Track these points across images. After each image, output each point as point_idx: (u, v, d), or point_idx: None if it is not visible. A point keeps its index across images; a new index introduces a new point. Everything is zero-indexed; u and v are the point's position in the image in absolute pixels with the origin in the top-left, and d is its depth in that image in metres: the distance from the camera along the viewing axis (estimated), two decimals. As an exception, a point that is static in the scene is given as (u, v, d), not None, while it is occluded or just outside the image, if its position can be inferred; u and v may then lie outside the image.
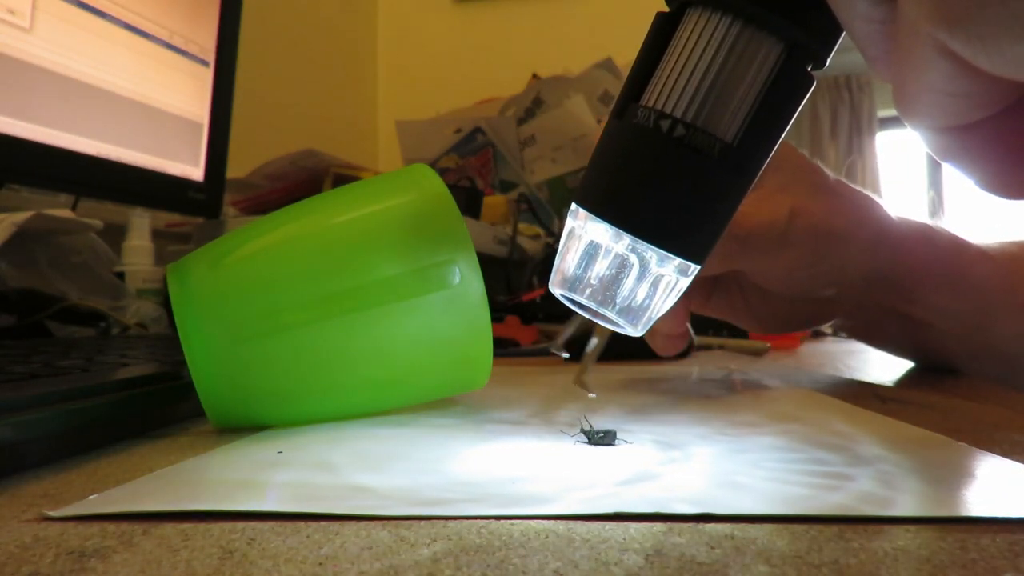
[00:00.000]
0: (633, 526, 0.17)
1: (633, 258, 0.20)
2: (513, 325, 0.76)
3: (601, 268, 0.20)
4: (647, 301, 0.21)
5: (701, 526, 0.17)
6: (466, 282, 0.28)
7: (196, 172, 0.76)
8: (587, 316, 0.22)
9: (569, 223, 0.21)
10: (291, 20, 1.53)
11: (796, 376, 0.48)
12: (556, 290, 0.22)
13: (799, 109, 0.19)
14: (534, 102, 1.33)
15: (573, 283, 0.21)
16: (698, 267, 0.20)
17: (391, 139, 1.51)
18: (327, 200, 0.32)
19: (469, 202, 1.02)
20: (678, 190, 0.19)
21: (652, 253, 0.20)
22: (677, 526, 0.17)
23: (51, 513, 0.17)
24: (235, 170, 0.88)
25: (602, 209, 0.20)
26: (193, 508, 0.18)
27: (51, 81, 0.58)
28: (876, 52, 0.16)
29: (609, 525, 0.17)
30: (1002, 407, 0.34)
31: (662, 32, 0.19)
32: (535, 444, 0.25)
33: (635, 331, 0.21)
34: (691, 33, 0.18)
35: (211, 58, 0.77)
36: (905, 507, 0.18)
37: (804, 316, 0.45)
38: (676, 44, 0.19)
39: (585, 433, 0.26)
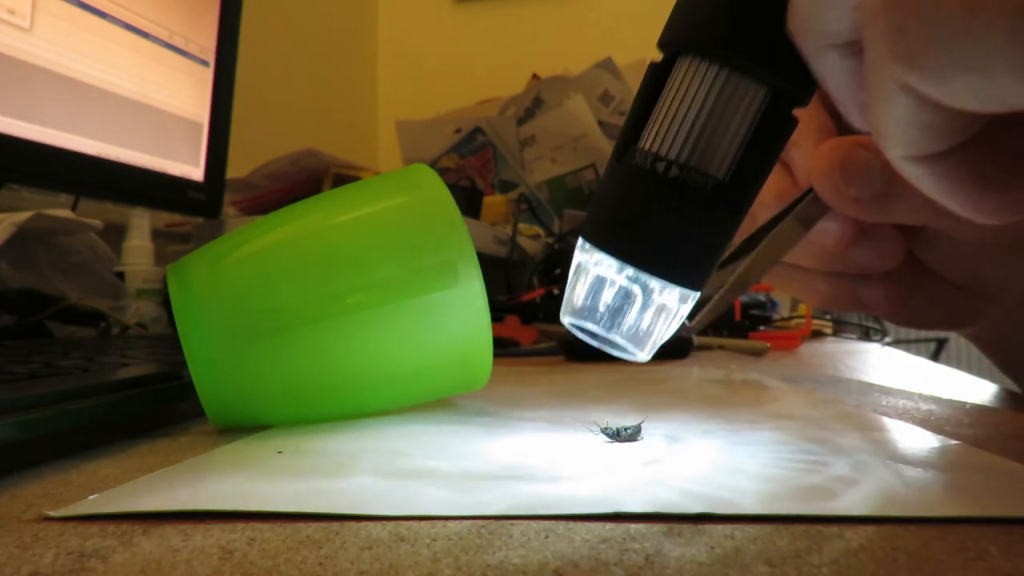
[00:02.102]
0: (633, 526, 0.17)
1: (636, 288, 0.22)
2: (513, 325, 0.76)
3: (607, 298, 0.22)
4: (651, 327, 0.22)
5: (701, 526, 0.17)
6: (466, 282, 0.28)
7: (196, 172, 0.76)
8: (596, 344, 0.23)
9: (577, 257, 0.23)
10: (291, 20, 1.53)
11: (796, 376, 0.48)
12: (566, 319, 0.23)
13: (784, 146, 0.21)
14: (534, 102, 1.33)
15: (582, 312, 0.23)
16: (697, 294, 0.22)
17: (391, 139, 1.51)
18: (327, 200, 0.32)
19: (469, 202, 1.02)
20: (676, 225, 0.20)
21: (654, 283, 0.21)
22: (677, 526, 0.17)
23: (51, 513, 0.17)
24: (235, 170, 0.88)
25: (607, 244, 0.21)
26: (193, 508, 0.18)
27: (51, 81, 0.58)
28: (847, 100, 0.18)
29: (609, 525, 0.17)
30: (1002, 407, 0.34)
31: (656, 79, 0.21)
32: (536, 443, 0.25)
33: (642, 356, 0.23)
34: (682, 81, 0.20)
35: (211, 58, 0.77)
36: (905, 507, 0.18)
37: (956, 307, 0.37)
38: (668, 91, 0.20)
39: (604, 431, 0.26)
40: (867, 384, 0.45)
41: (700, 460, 0.23)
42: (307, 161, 1.03)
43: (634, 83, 1.37)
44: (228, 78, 0.78)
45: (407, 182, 0.31)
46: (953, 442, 0.25)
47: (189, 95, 0.74)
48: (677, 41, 0.20)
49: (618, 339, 0.22)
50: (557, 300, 0.90)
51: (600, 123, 1.27)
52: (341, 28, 1.83)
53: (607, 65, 1.33)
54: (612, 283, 0.22)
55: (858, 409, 0.33)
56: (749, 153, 0.20)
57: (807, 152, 0.31)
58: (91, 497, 0.19)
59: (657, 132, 0.20)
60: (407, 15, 1.98)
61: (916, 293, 0.37)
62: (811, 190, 0.30)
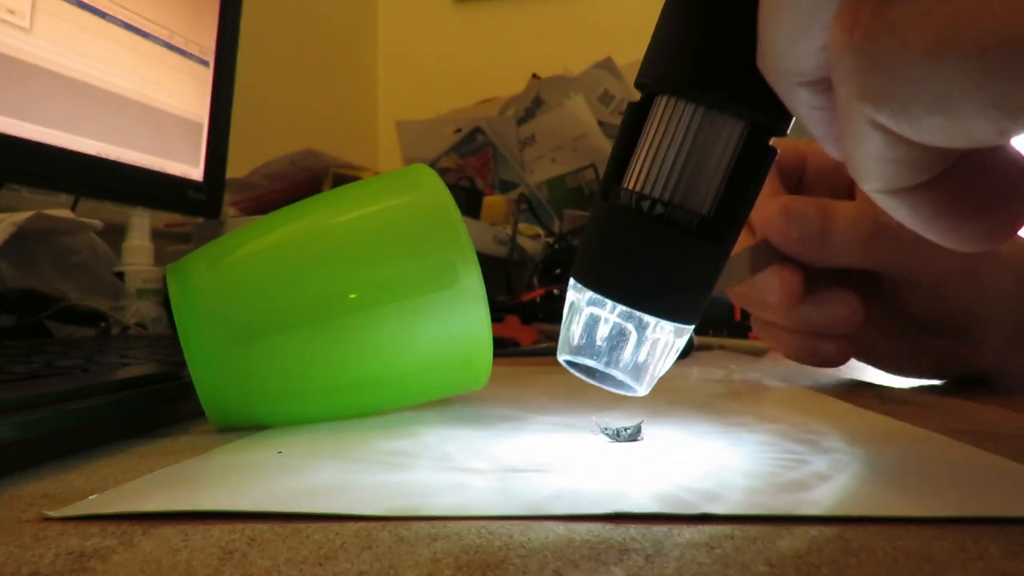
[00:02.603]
0: (633, 526, 0.17)
1: (630, 325, 0.22)
2: (513, 325, 0.76)
3: (602, 335, 0.22)
4: (648, 361, 0.23)
5: (701, 526, 0.17)
6: (466, 282, 0.28)
7: (196, 172, 0.76)
8: (593, 381, 0.24)
9: (570, 296, 0.23)
10: (291, 20, 1.53)
11: (796, 376, 0.48)
12: (563, 357, 0.24)
13: (765, 177, 0.21)
14: (534, 102, 1.33)
15: (579, 350, 0.23)
16: (691, 327, 0.22)
17: (391, 139, 1.51)
18: (327, 200, 0.32)
19: (469, 202, 1.03)
20: (665, 262, 0.21)
21: (648, 319, 0.22)
22: (677, 526, 0.17)
23: (51, 513, 0.17)
24: (235, 170, 0.88)
25: (598, 283, 0.22)
26: (193, 508, 0.18)
27: (51, 81, 0.58)
28: (822, 132, 0.18)
29: (609, 525, 0.17)
30: (1002, 407, 0.34)
31: (635, 119, 0.21)
32: (536, 443, 0.25)
33: (641, 390, 0.23)
34: (660, 120, 0.20)
35: (211, 58, 0.77)
36: (905, 507, 0.18)
37: (944, 356, 0.42)
38: (648, 130, 0.21)
39: (604, 431, 0.26)
40: (867, 384, 0.45)
41: (700, 461, 0.23)
42: (307, 161, 1.03)
43: (634, 83, 1.37)
44: (228, 78, 0.78)
45: (407, 182, 0.31)
46: (953, 442, 0.25)
47: (189, 95, 0.74)
48: (653, 82, 0.21)
49: (616, 374, 0.23)
50: (557, 300, 0.90)
51: (600, 123, 1.27)
52: (341, 28, 1.83)
53: (607, 65, 1.33)
54: (606, 321, 0.22)
55: (858, 409, 0.33)
56: (731, 187, 0.20)
57: (759, 208, 0.37)
58: (91, 497, 0.19)
59: (640, 171, 0.21)
60: (407, 15, 1.98)
61: (900, 346, 0.41)
62: (764, 240, 0.38)
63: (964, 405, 0.35)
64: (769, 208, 0.38)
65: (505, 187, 1.32)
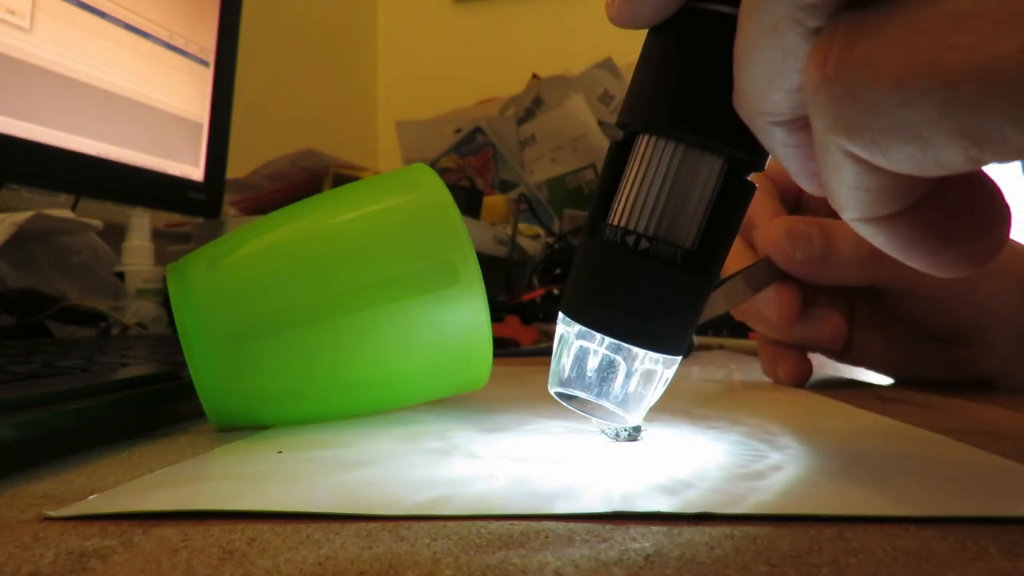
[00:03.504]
0: (633, 526, 0.17)
1: (619, 358, 0.23)
2: (513, 325, 0.76)
3: (592, 368, 0.23)
4: (639, 391, 0.23)
5: (701, 526, 0.17)
6: (466, 282, 0.28)
7: (196, 172, 0.76)
8: (584, 413, 0.24)
9: (559, 330, 0.24)
10: (291, 20, 1.53)
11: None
12: (554, 390, 0.24)
13: (745, 211, 0.22)
14: (534, 102, 1.33)
15: (569, 382, 0.23)
16: (679, 358, 0.23)
17: (391, 139, 1.51)
18: (327, 200, 0.32)
19: (469, 202, 1.02)
20: (651, 295, 0.21)
21: (637, 351, 0.22)
22: (677, 526, 0.17)
23: (51, 513, 0.17)
24: (235, 170, 0.88)
25: (587, 317, 0.22)
26: (193, 508, 0.18)
27: (51, 81, 0.58)
28: (797, 168, 0.19)
29: (609, 525, 0.17)
30: (1002, 407, 0.34)
31: (618, 156, 0.22)
32: (536, 443, 0.25)
33: (635, 419, 0.24)
34: (642, 158, 0.21)
35: (211, 58, 0.77)
36: (905, 507, 0.18)
37: (952, 361, 0.43)
38: (631, 167, 0.21)
39: (604, 431, 0.26)
40: (867, 384, 0.45)
41: (700, 461, 0.23)
42: (307, 161, 1.03)
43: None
44: (228, 78, 0.78)
45: (407, 182, 0.31)
46: (953, 442, 0.25)
47: (189, 95, 0.74)
48: (634, 121, 0.21)
49: (608, 405, 0.23)
50: (557, 300, 0.90)
51: (600, 123, 1.27)
52: (341, 28, 1.83)
53: (607, 65, 1.33)
54: (595, 353, 0.23)
55: (858, 409, 0.33)
56: (713, 220, 0.21)
57: (762, 229, 0.40)
58: (91, 497, 0.19)
59: (624, 207, 0.21)
60: (407, 15, 1.98)
61: (907, 355, 0.42)
62: (766, 258, 0.40)
63: (964, 405, 0.35)
64: (773, 229, 0.39)
65: (505, 187, 1.32)
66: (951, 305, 0.40)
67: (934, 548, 0.15)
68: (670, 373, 0.23)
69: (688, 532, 0.16)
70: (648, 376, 0.23)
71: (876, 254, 0.38)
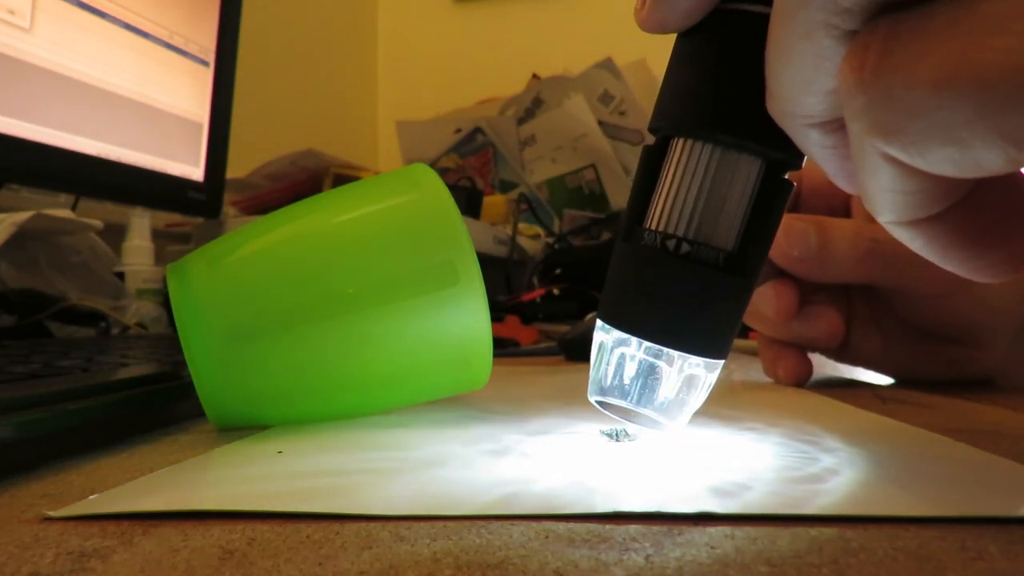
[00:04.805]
0: (633, 526, 0.17)
1: (662, 363, 0.22)
2: (513, 325, 0.76)
3: (634, 374, 0.23)
4: (682, 398, 0.23)
5: (701, 526, 0.17)
6: (466, 282, 0.28)
7: (196, 172, 0.76)
8: (627, 420, 0.24)
9: (598, 337, 0.23)
10: (291, 20, 1.53)
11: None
12: (594, 398, 0.24)
13: (784, 208, 0.21)
14: (534, 102, 1.33)
15: (610, 390, 0.23)
16: (722, 362, 0.22)
17: (391, 139, 1.51)
18: (327, 200, 0.32)
19: (469, 202, 1.03)
20: (694, 299, 0.21)
21: (678, 356, 0.22)
22: (677, 526, 0.17)
23: (51, 513, 0.17)
24: (235, 170, 0.88)
25: (627, 323, 0.22)
26: (193, 508, 0.18)
27: (51, 81, 0.58)
28: (834, 169, 0.19)
29: (609, 525, 0.17)
30: (1002, 407, 0.34)
31: (652, 161, 0.22)
32: (536, 443, 0.25)
33: (677, 426, 0.23)
34: (678, 162, 0.21)
35: (211, 58, 0.77)
36: (905, 507, 0.18)
37: (952, 360, 0.43)
38: (668, 171, 0.21)
39: (604, 432, 0.26)
40: (867, 384, 0.45)
41: (700, 460, 0.23)
42: (307, 161, 1.03)
43: (634, 83, 1.37)
44: (228, 78, 0.78)
45: (407, 182, 0.31)
46: (953, 442, 0.25)
47: (189, 95, 0.74)
48: (668, 126, 0.21)
49: (650, 413, 0.23)
50: (557, 300, 0.90)
51: (600, 123, 1.27)
52: (341, 28, 1.83)
53: (607, 65, 1.33)
54: (635, 360, 0.22)
55: (858, 409, 0.33)
56: (753, 222, 0.21)
57: None
58: (91, 497, 0.19)
59: (663, 212, 0.21)
60: (407, 15, 1.98)
61: (906, 354, 0.43)
62: None
63: (964, 405, 0.35)
64: None
65: (505, 187, 1.32)
66: (949, 304, 0.40)
67: (934, 548, 0.15)
68: (713, 378, 0.23)
69: (688, 532, 0.16)
70: (690, 381, 0.22)
71: (872, 252, 0.39)
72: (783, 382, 0.43)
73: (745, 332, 0.80)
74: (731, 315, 0.22)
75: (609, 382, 0.23)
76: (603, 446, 0.25)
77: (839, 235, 0.38)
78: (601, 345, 0.23)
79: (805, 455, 0.23)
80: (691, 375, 0.22)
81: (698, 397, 0.23)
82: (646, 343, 0.22)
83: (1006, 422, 0.30)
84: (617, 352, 0.23)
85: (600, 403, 0.24)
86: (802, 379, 0.43)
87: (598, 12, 1.76)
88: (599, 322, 0.23)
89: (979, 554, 0.15)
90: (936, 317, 0.41)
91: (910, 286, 0.40)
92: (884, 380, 0.46)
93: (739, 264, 0.21)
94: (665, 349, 0.22)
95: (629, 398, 0.23)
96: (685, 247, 0.21)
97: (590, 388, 0.24)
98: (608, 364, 0.23)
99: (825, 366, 0.50)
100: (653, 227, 0.21)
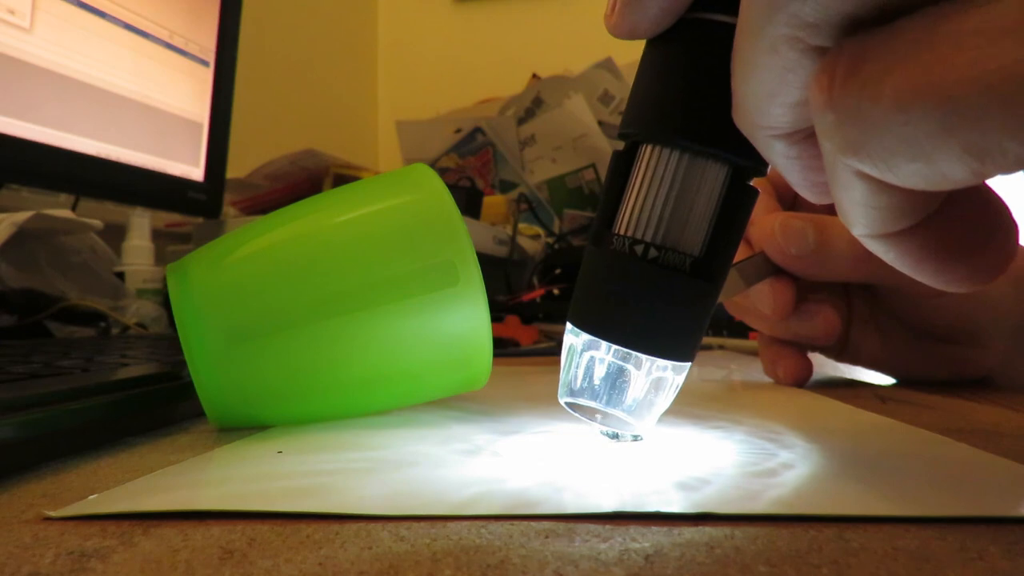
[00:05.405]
0: (633, 526, 0.17)
1: (630, 366, 0.23)
2: (513, 325, 0.76)
3: (602, 376, 0.23)
4: (650, 399, 0.23)
5: (701, 526, 0.17)
6: (466, 282, 0.28)
7: (196, 172, 0.76)
8: (596, 421, 0.24)
9: (568, 340, 0.24)
10: (291, 20, 1.53)
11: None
12: (564, 400, 0.24)
13: (749, 216, 0.22)
14: (534, 102, 1.33)
15: (579, 392, 0.23)
16: (689, 364, 0.23)
17: (391, 139, 1.51)
18: (327, 200, 0.32)
19: (469, 202, 1.02)
20: (660, 303, 0.21)
21: (646, 359, 0.22)
22: (677, 526, 0.17)
23: (51, 513, 0.17)
24: (235, 170, 0.88)
25: (596, 327, 0.22)
26: (193, 508, 0.18)
27: (51, 81, 0.58)
28: (797, 179, 0.19)
29: (609, 525, 0.17)
30: (1002, 407, 0.34)
31: (621, 166, 0.22)
32: (536, 443, 0.25)
33: (645, 427, 0.24)
34: (646, 167, 0.21)
35: (211, 58, 0.77)
36: (905, 507, 0.18)
37: (951, 360, 0.43)
38: (636, 176, 0.21)
39: (605, 432, 0.26)
40: (867, 384, 0.45)
41: (700, 461, 0.23)
42: (307, 161, 1.03)
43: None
44: (228, 78, 0.78)
45: (407, 182, 0.31)
46: (953, 442, 0.25)
47: (189, 95, 0.74)
48: (637, 132, 0.21)
49: (618, 414, 0.23)
50: (557, 300, 0.90)
51: (600, 123, 1.27)
52: (341, 28, 1.83)
53: (607, 65, 1.33)
54: (604, 363, 0.23)
55: (858, 409, 0.33)
56: (719, 227, 0.21)
57: (758, 224, 0.41)
58: (91, 497, 0.19)
59: (631, 217, 0.21)
60: (407, 15, 1.98)
61: (906, 353, 0.43)
62: (761, 253, 0.40)
63: (964, 405, 0.35)
64: (768, 224, 0.40)
65: (505, 187, 1.32)
66: (948, 303, 0.40)
67: (934, 548, 0.15)
68: (680, 379, 0.23)
69: (688, 532, 0.16)
70: (658, 383, 0.23)
71: (871, 252, 0.39)
72: (783, 382, 0.43)
73: (745, 332, 0.80)
74: (697, 319, 0.22)
75: (579, 384, 0.23)
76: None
77: (837, 233, 0.38)
78: (571, 348, 0.23)
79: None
80: (659, 377, 0.23)
81: (666, 398, 0.23)
82: (613, 347, 0.22)
83: (1006, 422, 0.30)
84: (587, 355, 0.23)
85: (570, 404, 0.24)
86: (802, 379, 0.43)
87: (598, 12, 1.75)
88: (569, 325, 0.23)
89: (979, 554, 0.15)
90: (935, 317, 0.41)
91: (909, 286, 0.40)
92: (884, 380, 0.46)
93: (705, 269, 0.21)
94: (633, 352, 0.22)
95: (599, 399, 0.23)
96: (653, 252, 0.21)
97: (560, 390, 0.24)
98: (578, 367, 0.23)
99: (825, 366, 0.50)
100: (622, 232, 0.21)
